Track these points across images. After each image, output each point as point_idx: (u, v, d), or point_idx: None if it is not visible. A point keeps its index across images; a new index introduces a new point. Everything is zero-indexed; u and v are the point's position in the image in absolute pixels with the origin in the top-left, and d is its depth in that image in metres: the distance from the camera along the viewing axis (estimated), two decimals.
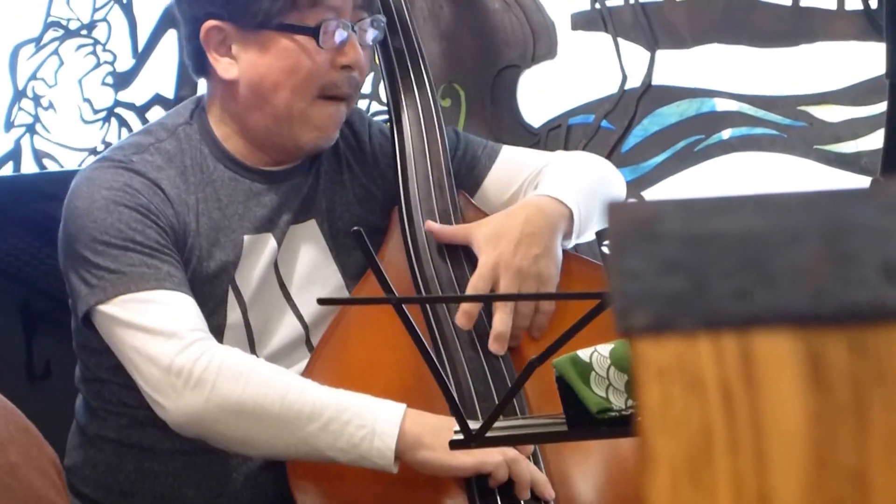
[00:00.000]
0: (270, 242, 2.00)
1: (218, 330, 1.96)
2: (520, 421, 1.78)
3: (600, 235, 1.51)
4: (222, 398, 1.83)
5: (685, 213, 0.70)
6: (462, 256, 1.99)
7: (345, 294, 2.02)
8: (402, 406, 1.82)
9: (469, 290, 1.94)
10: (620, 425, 1.61)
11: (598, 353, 1.61)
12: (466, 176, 2.11)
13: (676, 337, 0.70)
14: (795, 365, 0.71)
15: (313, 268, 2.02)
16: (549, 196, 1.99)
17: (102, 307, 1.91)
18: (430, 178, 2.03)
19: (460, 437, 1.64)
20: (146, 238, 1.92)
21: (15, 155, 3.19)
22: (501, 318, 1.94)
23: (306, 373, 1.92)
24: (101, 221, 1.92)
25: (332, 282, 2.03)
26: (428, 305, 1.95)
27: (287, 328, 2.00)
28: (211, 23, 1.96)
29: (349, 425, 1.80)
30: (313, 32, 1.94)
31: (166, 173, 1.98)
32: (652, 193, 2.83)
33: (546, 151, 2.21)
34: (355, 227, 1.56)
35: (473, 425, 1.59)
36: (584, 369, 1.60)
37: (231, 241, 1.98)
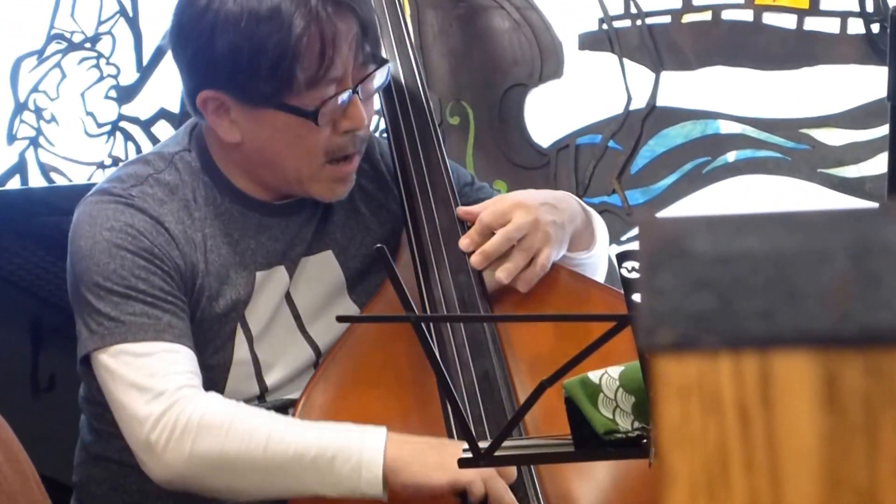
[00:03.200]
0: (282, 275, 1.98)
1: (224, 367, 1.96)
2: (527, 441, 1.78)
3: (620, 257, 1.51)
4: (204, 454, 1.84)
5: (715, 231, 0.70)
6: (473, 279, 1.99)
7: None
8: (383, 431, 1.83)
9: (480, 217, 1.94)
10: (626, 447, 1.62)
11: (607, 375, 1.62)
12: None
13: (699, 356, 0.71)
14: (812, 386, 0.71)
15: (328, 298, 2.00)
16: (573, 197, 2.04)
17: (99, 354, 1.90)
18: (434, 197, 2.01)
19: (469, 455, 1.65)
20: (149, 286, 1.89)
21: (21, 168, 3.19)
22: (494, 242, 1.95)
23: (306, 392, 1.93)
24: (104, 266, 1.90)
25: (346, 311, 2.00)
26: (431, 325, 1.95)
27: (299, 357, 1.99)
28: (208, 93, 1.90)
29: (335, 461, 1.81)
30: (312, 116, 1.88)
31: (169, 207, 1.94)
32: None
33: None
34: (378, 245, 1.56)
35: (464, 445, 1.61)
36: (593, 391, 1.61)
37: (242, 279, 1.95)
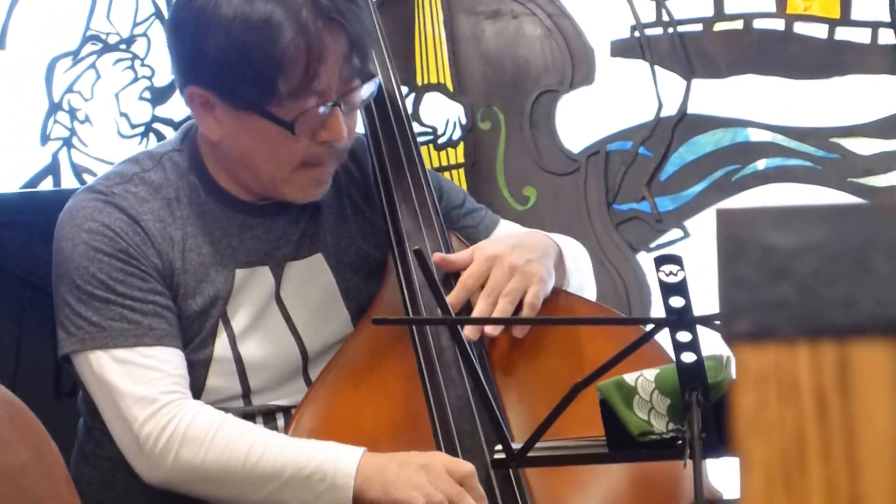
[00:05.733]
0: (266, 275, 1.99)
1: (204, 364, 1.97)
2: (560, 442, 1.79)
3: (658, 261, 1.52)
4: (185, 465, 1.88)
5: (792, 222, 0.71)
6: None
7: (350, 329, 2.02)
8: (359, 451, 1.85)
9: (461, 281, 1.95)
10: (661, 448, 1.63)
11: (643, 378, 1.63)
12: (471, 229, 2.12)
13: (777, 344, 0.72)
14: (890, 373, 0.72)
15: (320, 302, 2.02)
16: (541, 233, 2.06)
17: (79, 357, 1.94)
18: (419, 216, 2.02)
19: (502, 456, 1.66)
20: (128, 288, 1.92)
21: (53, 169, 3.20)
22: (480, 308, 1.96)
23: (298, 412, 1.95)
24: (84, 270, 1.93)
25: (339, 316, 2.03)
26: (418, 338, 1.96)
27: (287, 360, 2.01)
28: (195, 89, 1.94)
29: (310, 480, 1.85)
30: (289, 126, 1.89)
31: (150, 206, 1.97)
32: (694, 223, 2.85)
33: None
34: (416, 247, 1.57)
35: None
36: (629, 393, 1.62)
37: (222, 277, 1.97)
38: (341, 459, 1.85)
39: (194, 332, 1.96)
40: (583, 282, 2.11)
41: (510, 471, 1.88)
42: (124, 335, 1.91)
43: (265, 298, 1.99)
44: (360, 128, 2.06)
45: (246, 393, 2.00)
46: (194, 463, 1.88)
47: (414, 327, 1.97)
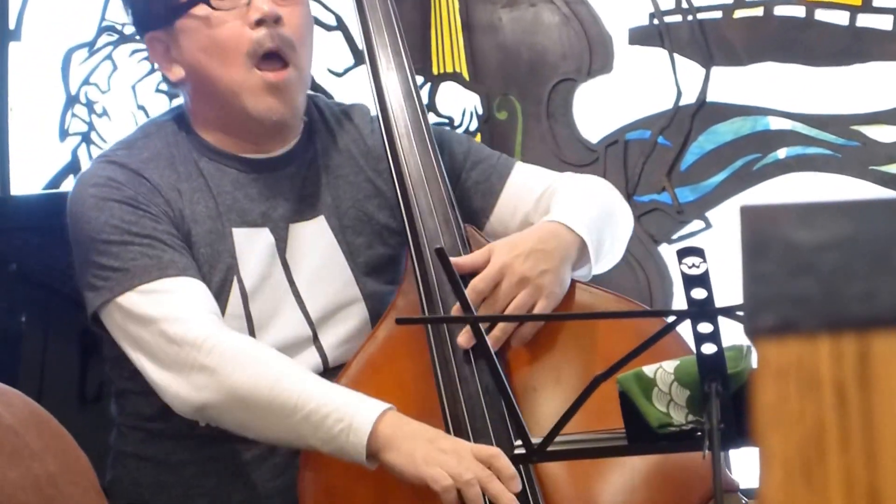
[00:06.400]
0: (266, 236, 2.01)
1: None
2: (579, 436, 1.78)
3: (681, 254, 1.51)
4: (220, 381, 1.87)
5: (814, 217, 0.72)
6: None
7: (354, 290, 2.03)
8: (384, 406, 1.85)
9: (473, 284, 1.94)
10: (680, 440, 1.62)
11: (662, 370, 1.63)
12: (482, 184, 2.10)
13: (798, 338, 0.72)
14: None
15: (323, 264, 2.03)
16: (562, 223, 1.99)
17: (110, 305, 1.94)
18: (435, 213, 2.01)
19: (522, 451, 1.65)
20: (142, 228, 1.95)
21: (74, 168, 3.20)
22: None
23: None
24: (95, 221, 1.95)
25: (342, 277, 2.03)
26: (432, 336, 1.95)
27: (291, 323, 2.01)
28: (148, 35, 2.04)
29: (329, 418, 1.83)
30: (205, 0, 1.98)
31: (154, 164, 2.01)
32: (716, 214, 2.83)
33: (555, 172, 2.18)
34: (438, 246, 1.56)
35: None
36: (647, 385, 1.61)
37: (224, 232, 2.00)
38: (364, 406, 1.84)
39: (208, 282, 1.97)
40: (613, 251, 2.07)
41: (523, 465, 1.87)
42: (148, 270, 1.92)
43: (268, 258, 2.01)
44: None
45: None
46: (229, 382, 1.86)
47: (429, 326, 1.96)
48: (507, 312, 1.94)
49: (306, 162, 2.05)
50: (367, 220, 2.06)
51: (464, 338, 1.93)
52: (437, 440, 1.83)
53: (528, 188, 2.09)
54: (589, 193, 2.07)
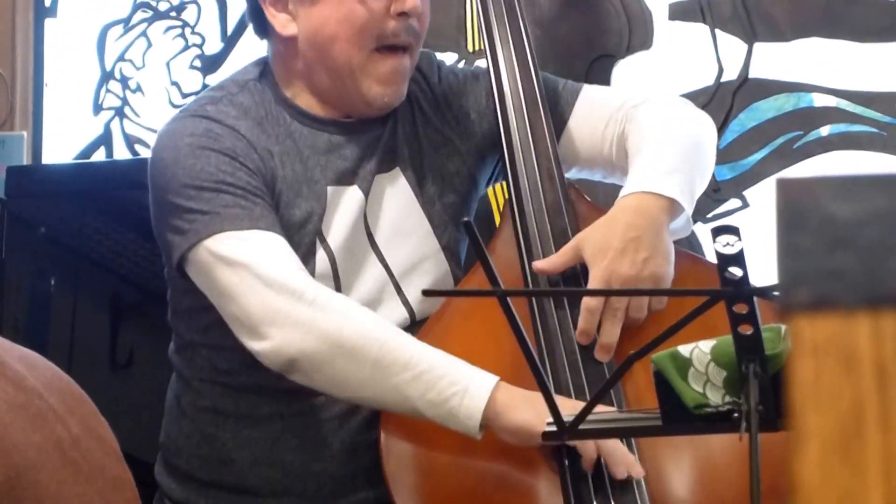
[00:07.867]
0: (356, 193, 2.00)
1: None
2: (614, 414, 1.76)
3: (715, 232, 1.47)
4: (325, 330, 1.83)
5: (852, 191, 0.70)
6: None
7: (433, 243, 2.02)
8: (496, 377, 1.82)
9: (584, 307, 1.90)
10: (716, 421, 1.60)
11: (698, 349, 1.60)
12: (550, 112, 2.07)
13: (836, 314, 0.69)
14: None
15: (400, 216, 2.02)
16: (644, 192, 1.93)
17: (198, 248, 1.89)
18: (538, 168, 2.00)
19: (553, 428, 1.63)
20: (237, 180, 1.91)
21: (106, 140, 3.19)
22: (609, 330, 1.91)
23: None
24: (191, 167, 1.91)
25: (420, 230, 2.02)
26: (534, 298, 1.93)
27: (372, 277, 1.99)
28: None
29: (442, 380, 1.80)
30: None
31: (244, 123, 1.97)
32: (753, 193, 2.78)
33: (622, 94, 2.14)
34: (465, 219, 1.53)
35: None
36: (684, 365, 1.59)
37: (314, 193, 1.97)
38: (480, 374, 1.81)
39: (295, 245, 1.94)
40: (704, 182, 2.02)
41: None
42: (239, 219, 1.89)
43: (356, 215, 1.99)
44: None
45: None
46: (334, 330, 1.82)
47: (529, 282, 1.93)
48: (629, 315, 1.90)
49: (388, 117, 2.04)
50: (438, 169, 2.05)
51: (582, 338, 1.91)
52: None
53: (602, 102, 2.08)
54: (666, 128, 2.02)
